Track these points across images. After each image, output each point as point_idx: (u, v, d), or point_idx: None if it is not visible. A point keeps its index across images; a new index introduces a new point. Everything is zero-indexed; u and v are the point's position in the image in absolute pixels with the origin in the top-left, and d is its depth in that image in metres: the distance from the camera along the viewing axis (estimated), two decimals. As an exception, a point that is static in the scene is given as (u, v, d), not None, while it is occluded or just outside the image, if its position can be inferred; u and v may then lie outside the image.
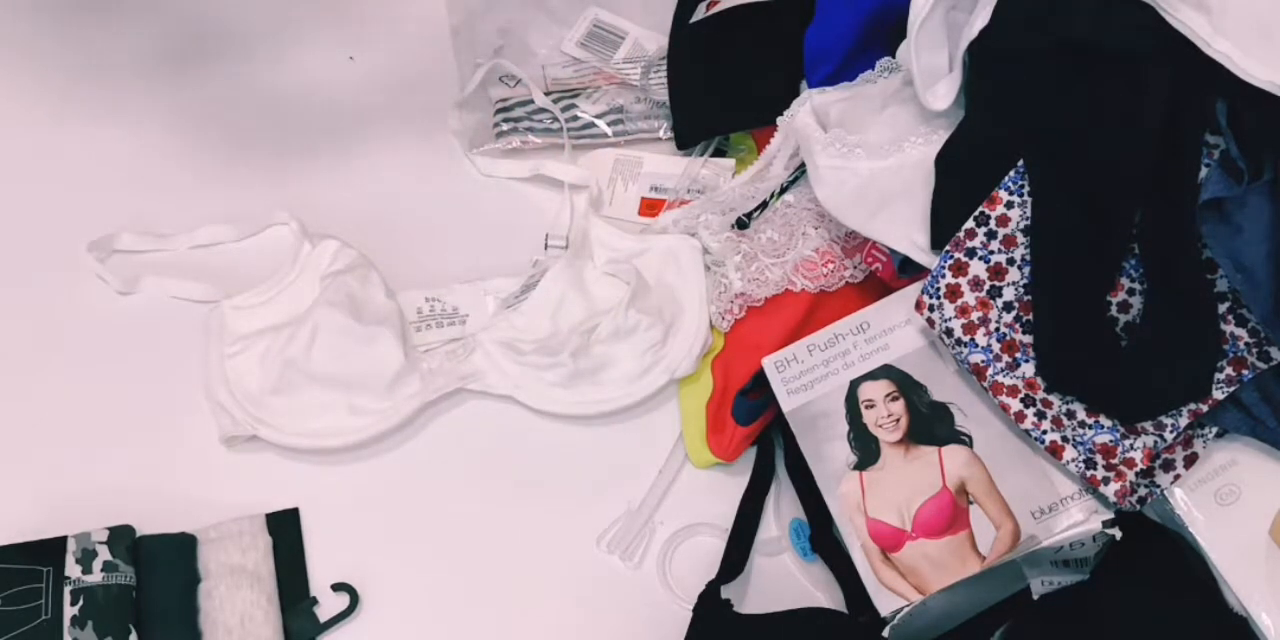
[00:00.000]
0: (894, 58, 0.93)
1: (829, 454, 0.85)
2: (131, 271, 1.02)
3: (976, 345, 0.79)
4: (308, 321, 0.95)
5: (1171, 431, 0.75)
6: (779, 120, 0.98)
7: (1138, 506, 0.76)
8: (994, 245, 0.80)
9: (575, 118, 1.11)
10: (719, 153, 1.07)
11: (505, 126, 1.10)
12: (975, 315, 0.80)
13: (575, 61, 1.13)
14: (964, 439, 0.82)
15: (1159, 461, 0.77)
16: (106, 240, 1.03)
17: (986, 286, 0.80)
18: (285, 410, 0.94)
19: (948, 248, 0.80)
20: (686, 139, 1.06)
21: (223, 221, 1.04)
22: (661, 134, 1.09)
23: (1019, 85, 0.81)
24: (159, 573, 0.87)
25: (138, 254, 1.03)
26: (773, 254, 0.95)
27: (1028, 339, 0.79)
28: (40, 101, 1.12)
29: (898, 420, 0.84)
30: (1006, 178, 0.80)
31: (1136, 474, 0.75)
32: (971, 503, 0.80)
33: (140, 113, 1.12)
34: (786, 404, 0.88)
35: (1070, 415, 0.77)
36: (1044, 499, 0.78)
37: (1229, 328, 0.75)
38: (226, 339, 0.97)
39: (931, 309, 0.81)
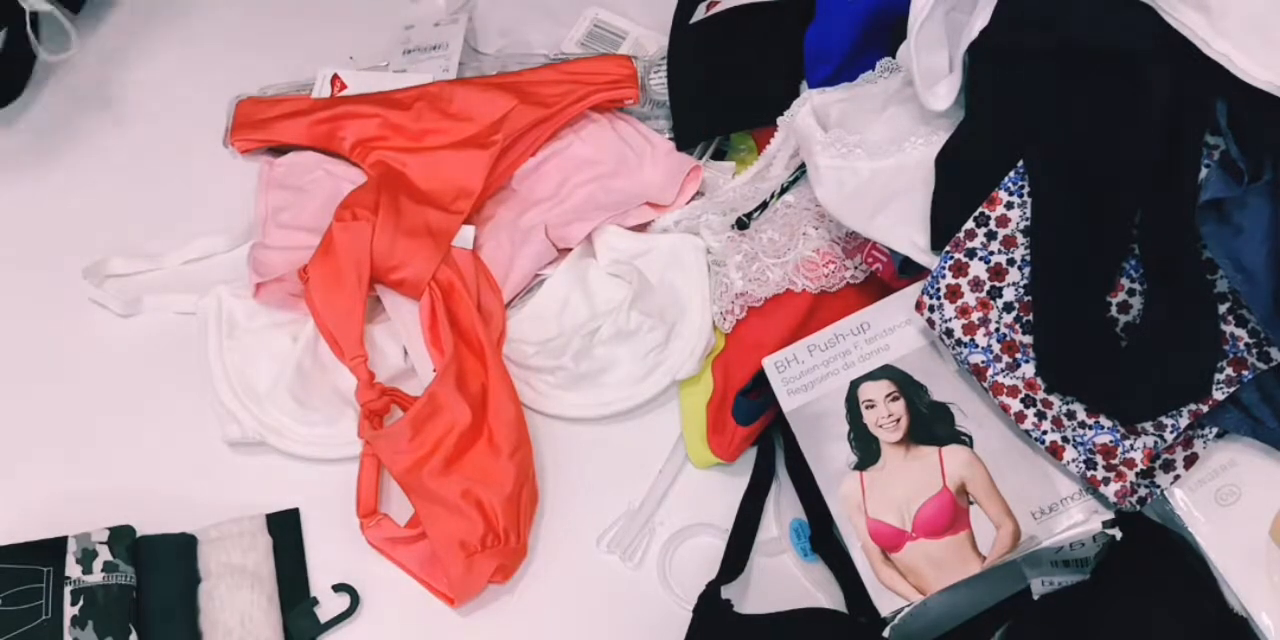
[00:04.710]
0: (894, 58, 0.93)
1: (829, 454, 0.85)
2: (131, 293, 1.01)
3: (976, 346, 0.79)
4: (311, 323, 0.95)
5: (1171, 432, 0.75)
6: (779, 120, 0.98)
7: (1138, 507, 0.76)
8: (994, 246, 0.80)
9: (576, 118, 1.11)
10: (719, 153, 1.07)
11: (506, 126, 1.10)
12: (975, 316, 0.80)
13: (576, 61, 1.13)
14: (964, 439, 0.82)
15: (1159, 462, 0.77)
16: (98, 266, 1.02)
17: (986, 287, 0.80)
18: (294, 415, 0.94)
19: (948, 248, 0.81)
20: (687, 139, 1.06)
21: (215, 233, 1.04)
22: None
23: (1019, 85, 0.81)
24: (159, 573, 0.87)
25: (133, 276, 1.03)
26: (773, 254, 0.95)
27: (1028, 339, 0.79)
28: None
29: (898, 420, 0.84)
30: (1006, 178, 0.80)
31: (1136, 474, 0.76)
32: (971, 503, 0.80)
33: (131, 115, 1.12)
34: (787, 404, 0.88)
35: (1070, 416, 0.77)
36: (1044, 499, 0.78)
37: (1229, 328, 0.75)
38: (225, 329, 0.97)
39: (932, 309, 0.81)
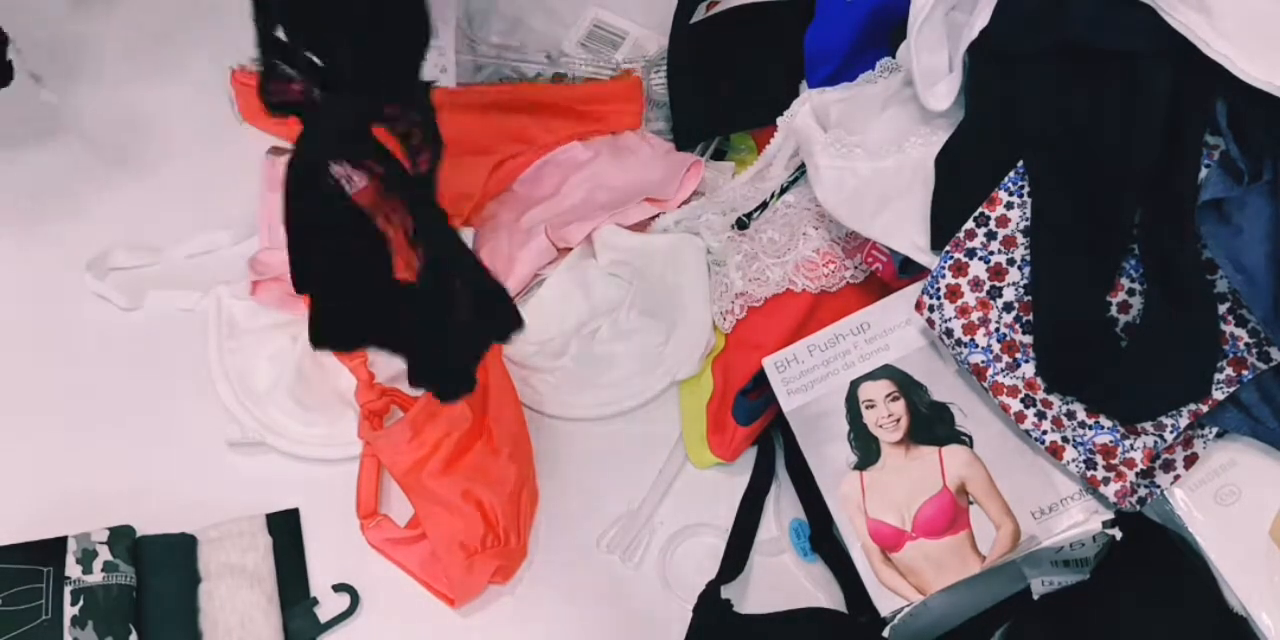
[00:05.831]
0: (894, 58, 0.93)
1: (829, 454, 0.85)
2: (134, 287, 1.01)
3: (976, 345, 0.79)
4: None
5: (1171, 432, 0.75)
6: (779, 120, 0.97)
7: (1138, 507, 0.76)
8: (994, 246, 0.80)
9: (576, 118, 1.10)
10: (719, 153, 1.07)
11: (505, 127, 1.10)
12: (975, 315, 0.80)
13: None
14: (964, 439, 0.82)
15: (1159, 462, 0.77)
16: (102, 259, 1.02)
17: (986, 287, 0.80)
18: (294, 416, 0.94)
19: (948, 248, 0.81)
20: (687, 139, 1.06)
21: (219, 228, 1.04)
22: (662, 134, 1.10)
23: (1019, 85, 0.81)
24: (159, 573, 0.87)
25: (136, 269, 1.03)
26: (773, 254, 0.95)
27: (1028, 339, 0.79)
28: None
29: (898, 420, 0.84)
30: (1006, 178, 0.80)
31: (1136, 474, 0.76)
32: (971, 503, 0.80)
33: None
34: (787, 404, 0.88)
35: (1070, 416, 0.77)
36: (1044, 499, 0.78)
37: (1229, 328, 0.75)
38: (225, 330, 0.97)
39: (931, 309, 0.81)
